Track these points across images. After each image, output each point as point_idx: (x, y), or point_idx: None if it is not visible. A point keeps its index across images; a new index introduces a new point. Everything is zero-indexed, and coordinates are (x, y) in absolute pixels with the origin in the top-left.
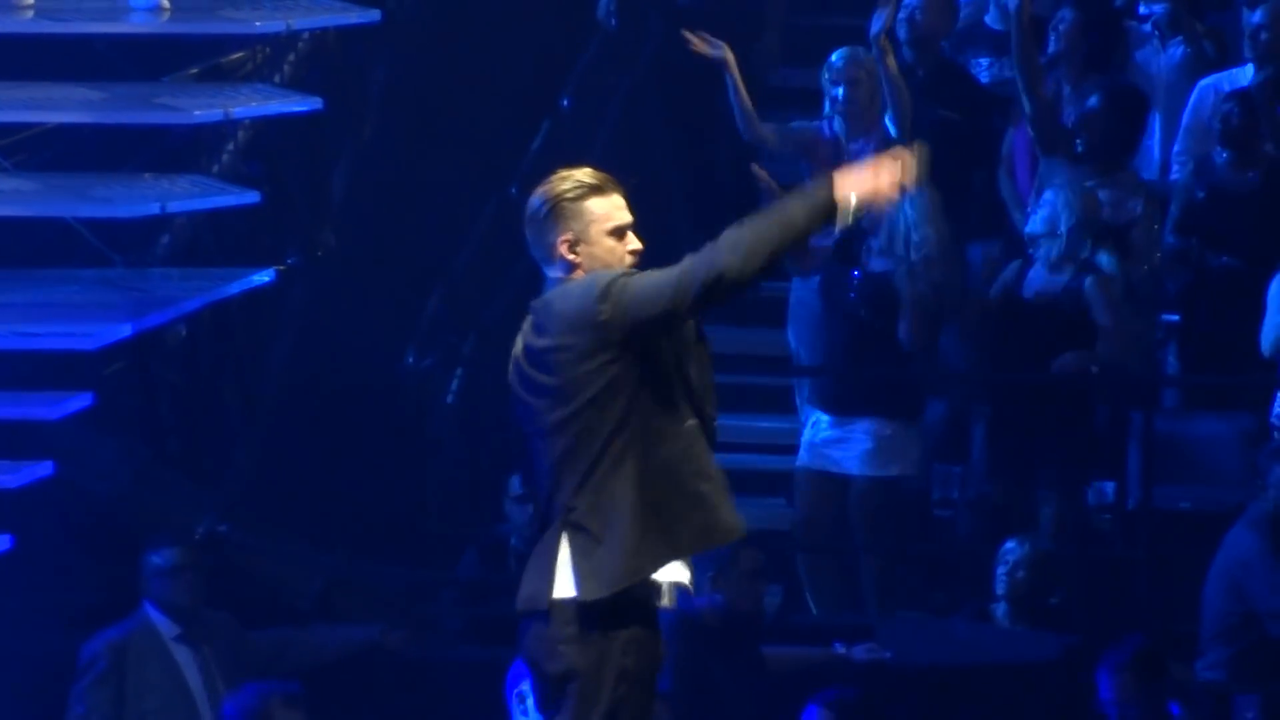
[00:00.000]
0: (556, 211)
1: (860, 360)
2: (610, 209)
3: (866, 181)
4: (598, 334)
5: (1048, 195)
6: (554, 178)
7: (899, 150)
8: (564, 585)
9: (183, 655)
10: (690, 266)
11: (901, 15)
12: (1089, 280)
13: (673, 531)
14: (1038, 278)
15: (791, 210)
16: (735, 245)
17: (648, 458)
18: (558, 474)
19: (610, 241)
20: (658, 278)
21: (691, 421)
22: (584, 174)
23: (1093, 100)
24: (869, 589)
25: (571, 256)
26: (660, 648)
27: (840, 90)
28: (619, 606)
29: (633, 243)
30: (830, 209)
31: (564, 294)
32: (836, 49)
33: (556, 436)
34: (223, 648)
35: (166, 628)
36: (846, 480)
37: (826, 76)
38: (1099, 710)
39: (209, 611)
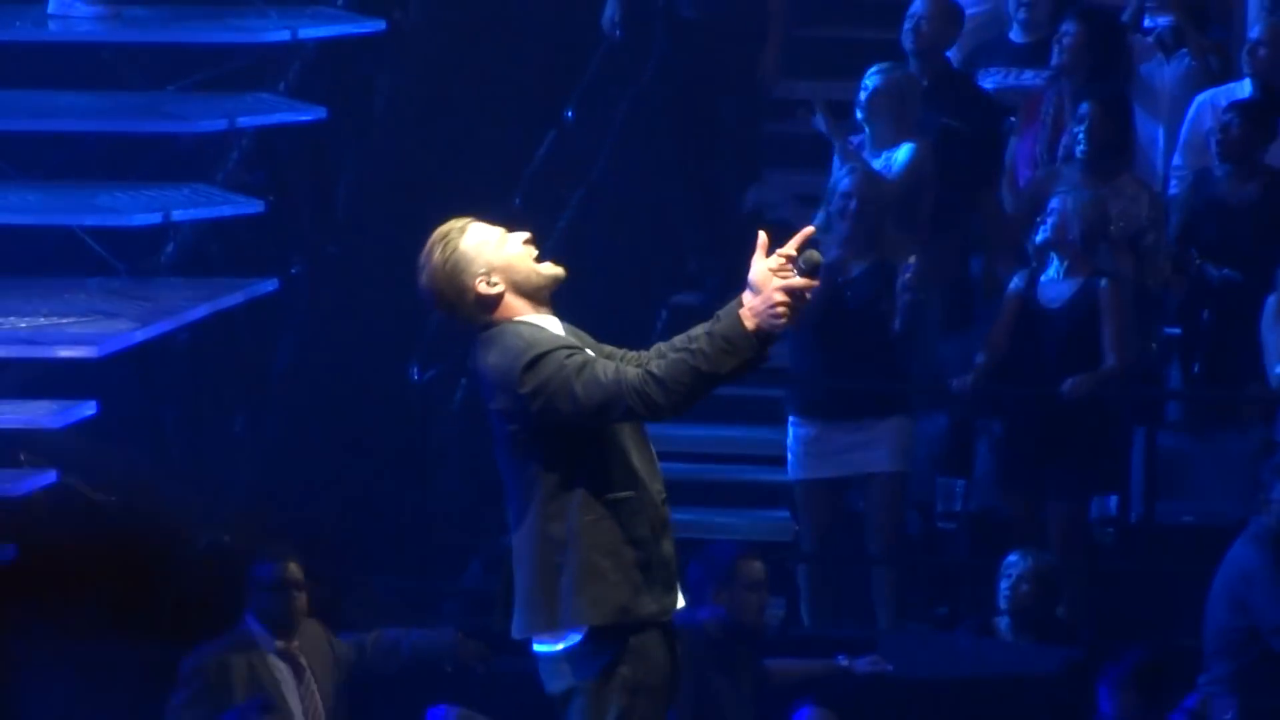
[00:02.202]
0: (456, 260)
1: (859, 361)
2: (490, 229)
3: (771, 310)
4: (517, 402)
5: (1054, 204)
6: (430, 245)
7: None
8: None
9: (282, 671)
10: (627, 388)
11: (907, 25)
12: (1103, 284)
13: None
14: (1051, 287)
15: (716, 359)
16: (672, 387)
17: (592, 509)
18: (517, 500)
19: (507, 250)
20: (592, 377)
21: (626, 494)
22: (450, 224)
23: (1083, 108)
24: (880, 599)
25: (491, 289)
26: (667, 653)
27: (864, 97)
28: (613, 624)
29: (524, 237)
30: (746, 343)
31: (499, 352)
32: (840, 59)
33: (513, 467)
34: (315, 655)
35: (267, 642)
36: (863, 481)
37: (862, 83)
38: None
39: (307, 620)
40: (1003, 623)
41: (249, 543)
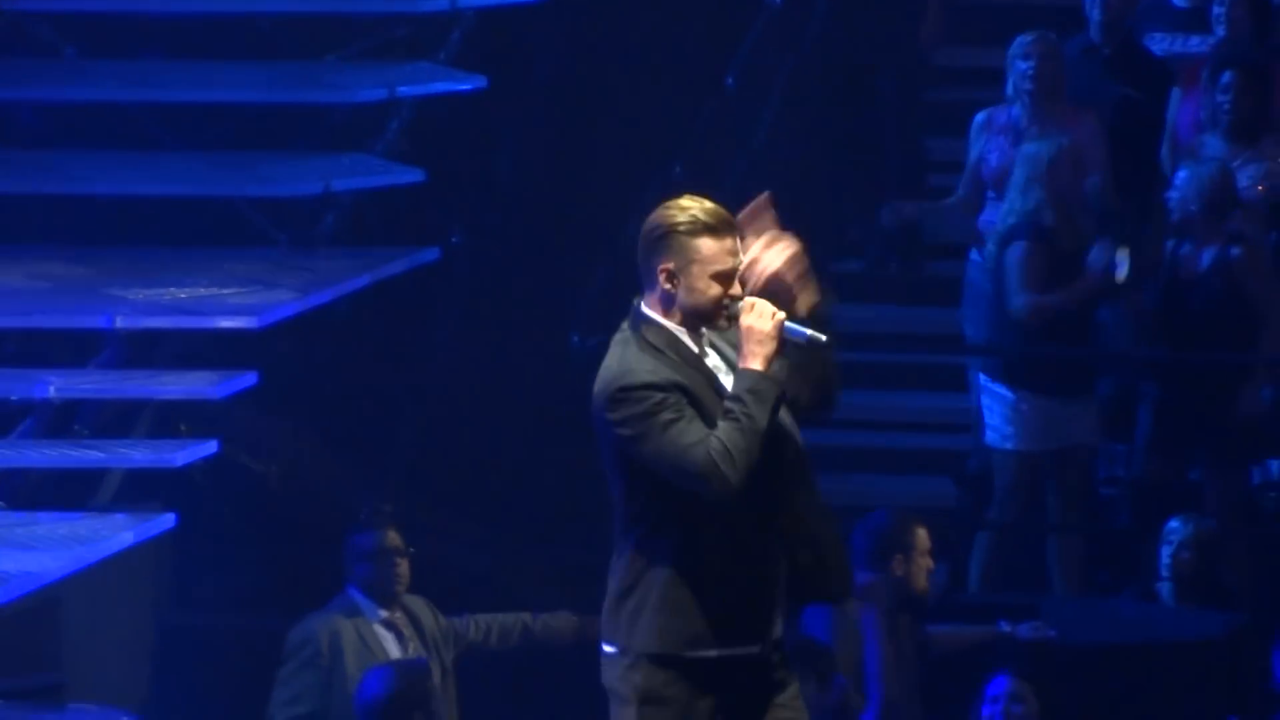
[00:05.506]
0: (666, 239)
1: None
2: (718, 252)
3: (761, 337)
4: (606, 423)
5: (1180, 175)
6: (674, 205)
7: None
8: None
9: (388, 640)
10: (717, 466)
11: None
12: (1234, 253)
13: (692, 620)
14: (1188, 256)
15: (756, 412)
16: (737, 456)
17: (678, 541)
18: (615, 511)
19: (707, 283)
20: (679, 446)
21: (715, 531)
22: (703, 209)
23: (1226, 75)
24: (1058, 567)
25: (668, 286)
26: (717, 692)
27: (1029, 65)
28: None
29: (734, 288)
30: (766, 383)
31: (606, 364)
32: (1000, 25)
33: (609, 479)
34: (421, 632)
35: (371, 612)
36: (1059, 452)
37: (1013, 53)
38: (1270, 689)
39: (408, 595)
40: (1165, 589)
41: (411, 512)
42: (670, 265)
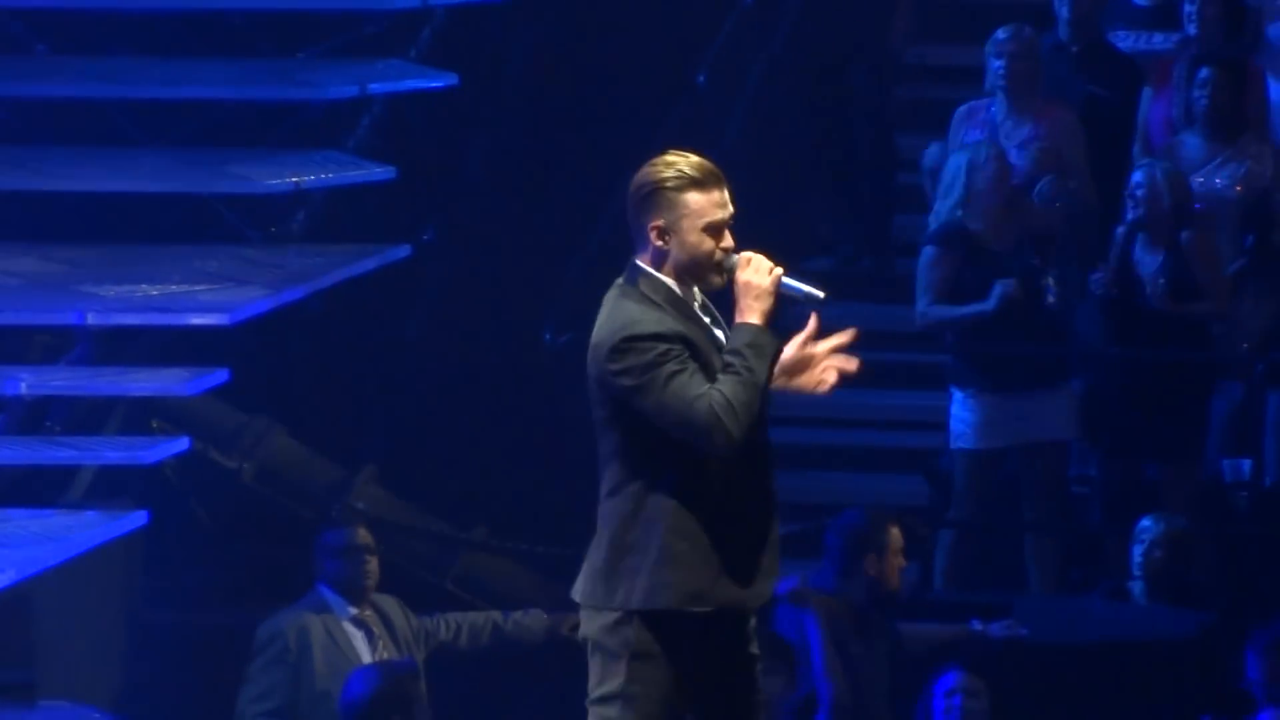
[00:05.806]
0: (654, 196)
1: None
2: (707, 205)
3: (759, 292)
4: (606, 375)
5: (1138, 177)
6: (660, 161)
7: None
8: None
9: (357, 637)
10: (705, 414)
11: None
12: (1185, 237)
13: (690, 575)
14: (1143, 256)
15: (756, 366)
16: (739, 409)
17: (676, 496)
18: (605, 469)
19: (699, 237)
20: (683, 399)
21: (712, 480)
22: (689, 164)
23: (1203, 72)
24: (1035, 565)
25: (660, 243)
26: (712, 644)
27: (1001, 64)
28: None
29: (726, 241)
30: (764, 336)
31: (606, 316)
32: (971, 23)
33: (601, 436)
34: (392, 630)
35: (340, 609)
36: (1027, 449)
37: (989, 50)
38: (1242, 689)
39: (378, 594)
40: (1136, 587)
41: (382, 510)
42: (660, 222)
